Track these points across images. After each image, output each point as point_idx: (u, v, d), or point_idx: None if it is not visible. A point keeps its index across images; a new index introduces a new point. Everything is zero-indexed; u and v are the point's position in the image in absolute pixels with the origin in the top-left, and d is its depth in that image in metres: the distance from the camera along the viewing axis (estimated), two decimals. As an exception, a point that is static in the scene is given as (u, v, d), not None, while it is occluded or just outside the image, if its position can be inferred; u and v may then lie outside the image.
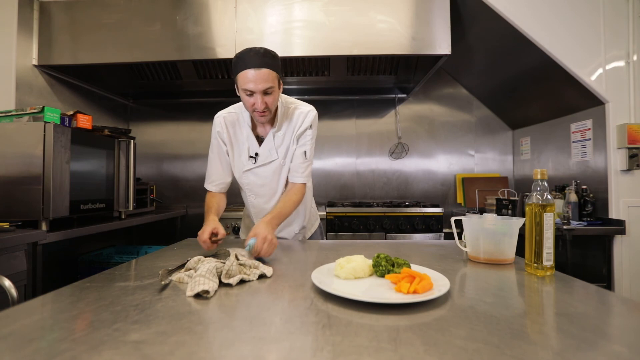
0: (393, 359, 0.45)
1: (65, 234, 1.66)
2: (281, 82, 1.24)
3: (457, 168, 3.18)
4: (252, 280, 0.82)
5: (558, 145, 2.53)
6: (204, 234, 1.11)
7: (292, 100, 1.37)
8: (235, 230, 2.59)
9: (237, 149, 1.36)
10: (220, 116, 1.35)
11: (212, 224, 1.15)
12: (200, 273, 0.74)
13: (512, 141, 3.16)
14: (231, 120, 1.34)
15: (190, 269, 0.84)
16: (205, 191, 1.44)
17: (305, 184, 1.37)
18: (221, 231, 1.15)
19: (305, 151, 1.34)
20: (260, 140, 1.34)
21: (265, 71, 1.13)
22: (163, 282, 0.76)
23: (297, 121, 1.33)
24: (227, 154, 1.38)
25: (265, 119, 1.24)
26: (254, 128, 1.34)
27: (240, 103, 1.34)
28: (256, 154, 1.33)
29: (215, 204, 1.33)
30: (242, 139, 1.34)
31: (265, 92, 1.16)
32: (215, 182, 1.39)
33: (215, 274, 0.77)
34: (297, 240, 1.47)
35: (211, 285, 0.71)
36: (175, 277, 0.81)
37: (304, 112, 1.34)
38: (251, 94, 1.15)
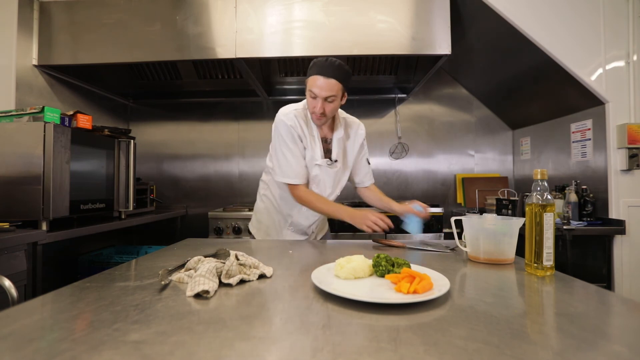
0: (393, 359, 0.45)
1: (65, 234, 1.66)
2: (345, 95, 1.36)
3: (457, 168, 3.18)
4: (252, 280, 0.82)
5: (558, 145, 2.53)
6: (375, 216, 1.26)
7: (342, 111, 1.53)
8: (236, 230, 2.58)
9: (310, 142, 1.42)
10: (290, 113, 1.39)
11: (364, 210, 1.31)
12: (200, 273, 0.74)
13: (512, 141, 3.16)
14: (302, 117, 1.41)
15: (190, 269, 0.84)
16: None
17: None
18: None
19: (367, 159, 1.59)
20: (324, 141, 1.46)
21: (332, 82, 1.26)
22: (163, 282, 0.76)
23: (352, 132, 1.52)
24: (301, 144, 1.42)
25: (320, 123, 1.37)
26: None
27: (302, 102, 1.45)
28: (334, 160, 1.45)
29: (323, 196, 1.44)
30: (313, 135, 1.42)
31: (327, 100, 1.28)
32: (303, 176, 1.41)
33: (215, 274, 0.77)
34: (297, 240, 1.47)
35: (211, 285, 0.71)
36: (175, 277, 0.81)
37: (355, 123, 1.54)
38: (315, 97, 1.29)
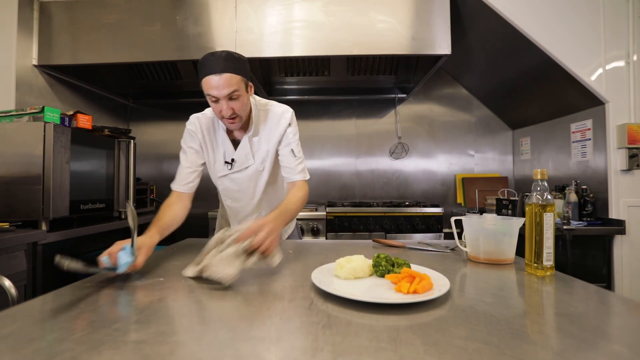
0: (393, 359, 0.45)
1: (65, 234, 1.66)
2: (251, 85, 1.19)
3: (457, 168, 3.18)
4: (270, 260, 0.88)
5: (558, 145, 2.53)
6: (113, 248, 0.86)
7: (266, 101, 1.32)
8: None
9: (212, 153, 1.30)
10: (195, 117, 1.30)
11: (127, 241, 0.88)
12: (221, 257, 0.79)
13: (512, 141, 3.16)
14: (206, 123, 1.28)
15: (210, 253, 0.85)
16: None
17: (306, 180, 1.31)
18: (139, 259, 0.87)
19: (292, 149, 1.29)
20: (236, 144, 1.28)
21: (227, 76, 1.07)
22: (65, 267, 0.71)
23: (273, 123, 1.28)
24: (200, 152, 1.30)
25: (236, 126, 1.19)
26: (229, 132, 1.28)
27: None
28: (232, 160, 1.28)
29: (167, 215, 1.17)
30: (217, 143, 1.29)
31: (231, 98, 1.10)
32: (182, 182, 1.28)
33: (235, 257, 0.80)
34: (296, 240, 1.47)
35: (230, 270, 0.76)
36: (193, 270, 0.83)
37: (278, 113, 1.29)
38: (216, 100, 1.11)
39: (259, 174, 1.32)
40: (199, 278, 0.82)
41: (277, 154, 1.32)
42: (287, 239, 1.53)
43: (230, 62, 1.09)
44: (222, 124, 1.24)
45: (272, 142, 1.29)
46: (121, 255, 0.83)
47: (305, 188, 1.29)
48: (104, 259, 0.84)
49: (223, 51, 1.10)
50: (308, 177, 1.33)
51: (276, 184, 1.40)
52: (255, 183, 1.33)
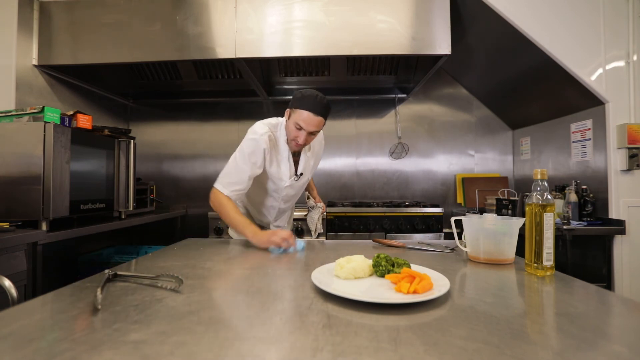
0: (393, 359, 0.45)
1: (65, 234, 1.66)
2: None
3: (457, 168, 3.18)
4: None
5: (558, 145, 2.53)
6: (279, 238, 1.20)
7: None
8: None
9: (276, 166, 1.47)
10: (265, 135, 1.40)
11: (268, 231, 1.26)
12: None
13: (512, 141, 3.16)
14: (274, 140, 1.45)
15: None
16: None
17: None
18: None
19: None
20: (293, 154, 1.50)
21: (321, 119, 1.34)
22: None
23: (318, 142, 1.61)
24: (259, 167, 1.41)
25: (299, 149, 1.45)
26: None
27: (273, 121, 1.48)
28: (301, 174, 1.53)
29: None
30: (281, 157, 1.47)
31: (311, 133, 1.36)
32: (238, 191, 1.39)
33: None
34: (297, 241, 1.47)
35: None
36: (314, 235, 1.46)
37: (321, 136, 1.62)
38: (300, 128, 1.34)
39: (305, 182, 1.62)
40: (197, 277, 0.82)
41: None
42: None
43: (327, 110, 1.36)
44: (284, 138, 1.45)
45: (315, 158, 1.62)
46: (298, 241, 1.24)
47: None
48: (292, 248, 1.21)
49: (324, 98, 1.35)
50: None
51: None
52: (302, 188, 1.64)
